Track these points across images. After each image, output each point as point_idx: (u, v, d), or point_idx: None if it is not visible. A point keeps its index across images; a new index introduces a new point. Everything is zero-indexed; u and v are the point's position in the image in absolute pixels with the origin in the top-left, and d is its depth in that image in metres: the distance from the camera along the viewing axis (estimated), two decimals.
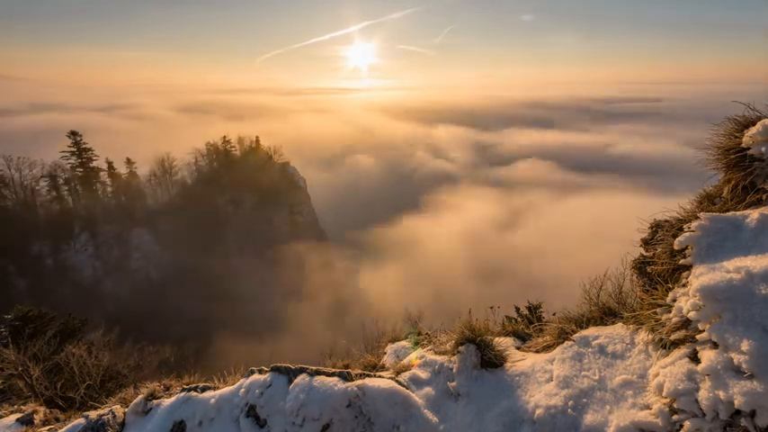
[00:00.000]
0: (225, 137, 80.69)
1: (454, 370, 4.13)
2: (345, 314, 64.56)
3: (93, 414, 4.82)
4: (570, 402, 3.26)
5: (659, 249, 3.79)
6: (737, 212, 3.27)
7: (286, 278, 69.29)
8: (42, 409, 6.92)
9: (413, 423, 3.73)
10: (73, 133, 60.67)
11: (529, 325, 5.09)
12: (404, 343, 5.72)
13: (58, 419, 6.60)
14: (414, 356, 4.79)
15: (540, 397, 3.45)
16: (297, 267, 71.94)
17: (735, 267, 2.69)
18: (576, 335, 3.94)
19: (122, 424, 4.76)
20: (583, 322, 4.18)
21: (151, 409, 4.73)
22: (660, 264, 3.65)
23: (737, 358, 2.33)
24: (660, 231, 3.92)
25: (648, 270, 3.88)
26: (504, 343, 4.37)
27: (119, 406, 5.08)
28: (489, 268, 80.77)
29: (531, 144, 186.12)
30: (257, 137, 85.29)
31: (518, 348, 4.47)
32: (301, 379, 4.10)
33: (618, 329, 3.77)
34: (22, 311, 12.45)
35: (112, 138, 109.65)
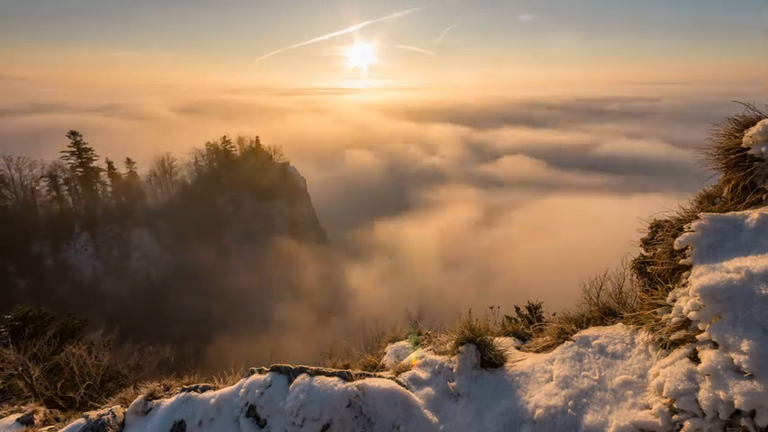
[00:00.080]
0: (225, 137, 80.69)
1: (454, 370, 4.13)
2: (345, 314, 64.61)
3: (93, 414, 4.82)
4: (570, 402, 3.26)
5: (659, 249, 3.79)
6: (737, 212, 3.27)
7: (286, 278, 69.30)
8: (42, 409, 6.92)
9: (413, 423, 3.73)
10: (73, 133, 60.66)
11: (529, 325, 5.09)
12: (404, 343, 5.71)
13: (58, 419, 6.60)
14: (414, 356, 4.79)
15: (540, 397, 3.45)
16: (297, 267, 71.96)
17: (735, 267, 2.69)
18: (576, 335, 3.94)
19: (122, 424, 4.76)
20: (583, 322, 4.18)
21: (151, 409, 4.73)
22: (660, 264, 3.65)
23: (737, 358, 2.33)
24: (660, 231, 3.92)
25: (648, 270, 3.88)
26: (504, 343, 4.37)
27: (119, 406, 5.08)
28: (479, 266, 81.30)
29: (522, 143, 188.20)
30: (257, 137, 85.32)
31: (518, 348, 4.47)
32: (301, 379, 4.10)
33: (618, 329, 3.77)
34: (22, 311, 12.44)
35: (112, 138, 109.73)
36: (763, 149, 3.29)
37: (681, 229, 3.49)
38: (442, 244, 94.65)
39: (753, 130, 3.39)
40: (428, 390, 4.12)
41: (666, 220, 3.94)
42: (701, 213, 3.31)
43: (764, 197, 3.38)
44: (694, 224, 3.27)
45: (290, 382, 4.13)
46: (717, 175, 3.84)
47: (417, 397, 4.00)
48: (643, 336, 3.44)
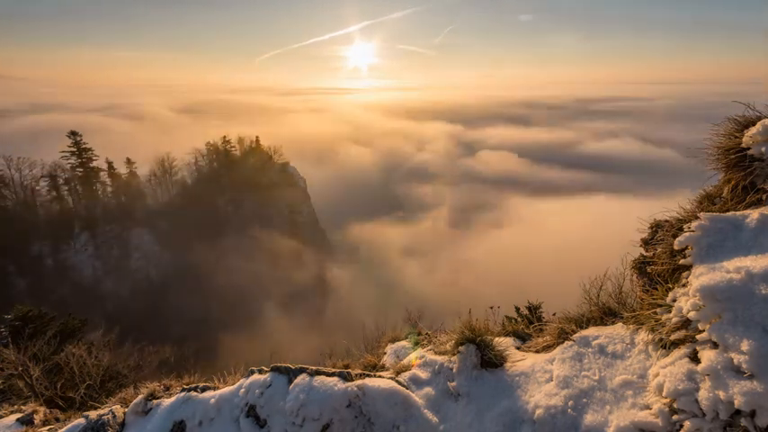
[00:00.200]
0: (225, 137, 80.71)
1: (454, 370, 4.13)
2: (345, 314, 64.57)
3: (93, 414, 4.82)
4: (570, 402, 3.26)
5: (659, 249, 3.79)
6: (737, 212, 3.27)
7: (286, 278, 69.30)
8: (42, 409, 6.92)
9: (413, 423, 3.73)
10: (73, 133, 60.65)
11: (529, 325, 5.09)
12: (404, 343, 5.71)
13: (58, 419, 6.60)
14: (414, 356, 4.79)
15: (540, 397, 3.45)
16: (297, 267, 71.96)
17: (735, 267, 2.69)
18: (576, 335, 3.94)
19: (122, 424, 4.76)
20: (583, 322, 4.18)
21: (151, 409, 4.73)
22: (660, 264, 3.65)
23: (737, 358, 2.33)
24: (660, 231, 3.92)
25: (648, 270, 3.88)
26: (504, 343, 4.37)
27: (119, 406, 5.07)
28: (479, 266, 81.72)
29: (516, 141, 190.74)
30: (257, 137, 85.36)
31: (518, 348, 4.47)
32: (301, 379, 4.10)
33: (618, 329, 3.77)
34: (22, 311, 12.44)
35: (112, 138, 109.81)
36: (763, 149, 3.29)
37: (681, 229, 3.49)
38: (441, 243, 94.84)
39: (753, 130, 3.39)
40: (428, 390, 4.12)
41: (666, 220, 3.94)
42: (701, 213, 3.31)
43: (764, 197, 3.38)
44: (694, 224, 3.27)
45: (290, 382, 4.13)
46: (717, 175, 3.84)
47: (417, 397, 4.00)
48: (643, 336, 3.44)
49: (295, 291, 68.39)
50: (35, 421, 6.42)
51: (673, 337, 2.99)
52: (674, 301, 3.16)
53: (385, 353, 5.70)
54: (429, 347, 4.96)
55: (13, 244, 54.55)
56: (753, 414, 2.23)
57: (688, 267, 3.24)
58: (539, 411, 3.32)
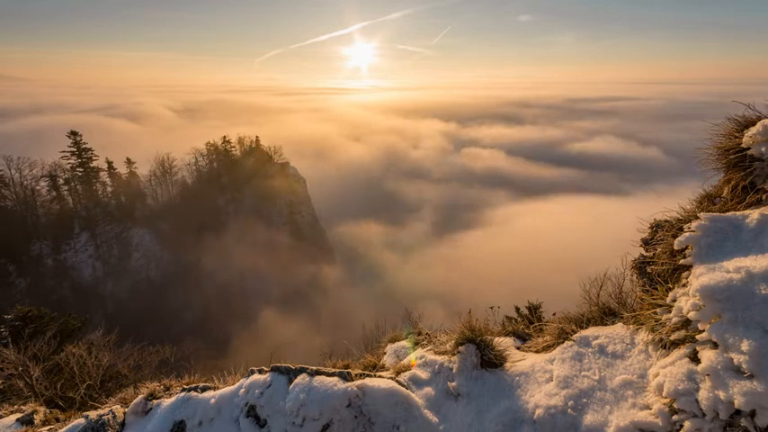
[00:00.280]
0: (225, 137, 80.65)
1: (454, 370, 4.13)
2: (345, 314, 64.57)
3: (93, 414, 4.82)
4: (570, 402, 3.26)
5: (659, 249, 3.79)
6: (737, 212, 3.27)
7: (286, 278, 69.31)
8: (42, 409, 6.92)
9: (413, 423, 3.73)
10: (73, 133, 60.59)
11: (529, 325, 5.09)
12: (404, 343, 5.71)
13: (58, 419, 6.60)
14: (413, 356, 4.79)
15: (540, 397, 3.45)
16: (297, 267, 71.97)
17: (735, 267, 2.69)
18: (576, 335, 3.94)
19: (122, 424, 4.76)
20: (583, 322, 4.18)
21: (151, 409, 4.73)
22: (660, 264, 3.65)
23: (737, 358, 2.33)
24: (660, 231, 3.92)
25: (648, 270, 3.88)
26: (504, 343, 4.37)
27: (119, 406, 5.07)
28: (476, 265, 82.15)
29: (504, 140, 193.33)
30: (257, 137, 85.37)
31: (518, 348, 4.47)
32: (301, 379, 4.10)
33: (618, 329, 3.77)
34: (22, 311, 12.46)
35: (112, 138, 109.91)
36: (763, 149, 3.29)
37: (681, 229, 3.49)
38: (441, 243, 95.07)
39: (753, 130, 3.39)
40: (428, 390, 4.12)
41: (666, 220, 3.94)
42: (701, 213, 3.31)
43: (764, 197, 3.38)
44: (694, 224, 3.27)
45: (290, 382, 4.13)
46: (717, 175, 3.84)
47: (417, 397, 4.00)
48: (643, 336, 3.44)
49: (295, 290, 68.39)
50: (35, 421, 6.42)
51: (673, 337, 2.99)
52: (674, 301, 3.16)
53: (385, 353, 5.70)
54: (429, 347, 4.96)
55: (13, 244, 54.53)
56: (753, 414, 2.23)
57: (688, 267, 3.24)
58: (539, 411, 3.32)
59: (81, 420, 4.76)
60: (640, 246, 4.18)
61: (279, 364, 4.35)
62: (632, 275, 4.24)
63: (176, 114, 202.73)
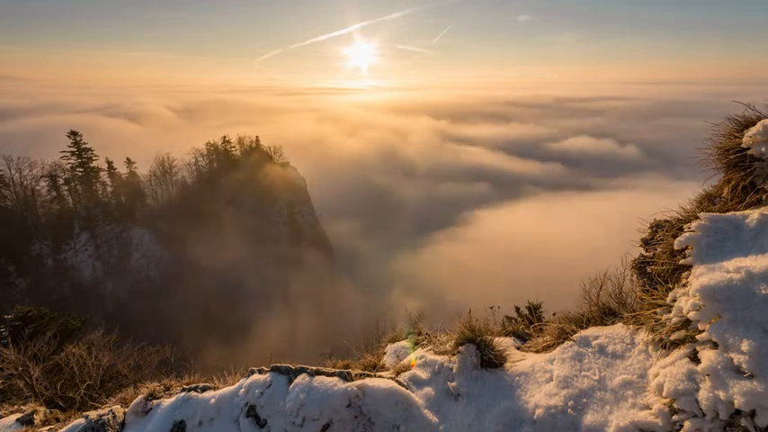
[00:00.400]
0: (225, 137, 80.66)
1: (454, 370, 4.13)
2: (345, 314, 64.57)
3: (93, 414, 4.82)
4: (570, 402, 3.26)
5: (659, 249, 3.79)
6: (737, 212, 3.27)
7: (286, 278, 69.32)
8: (42, 409, 6.92)
9: (413, 423, 3.73)
10: (73, 133, 60.56)
11: (529, 325, 5.09)
12: (404, 343, 5.71)
13: (58, 419, 6.59)
14: (413, 356, 4.79)
15: (540, 397, 3.45)
16: (297, 267, 71.97)
17: (735, 267, 2.69)
18: (576, 335, 3.94)
19: (122, 424, 4.75)
20: (583, 322, 4.18)
21: (151, 409, 4.73)
22: (660, 264, 3.65)
23: (737, 358, 2.33)
24: (660, 231, 3.92)
25: (648, 270, 3.88)
26: (504, 343, 4.37)
27: (119, 406, 5.07)
28: (475, 265, 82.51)
29: (497, 139, 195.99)
30: (257, 137, 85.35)
31: (518, 348, 4.47)
32: (301, 379, 4.10)
33: (618, 329, 3.77)
34: (22, 311, 12.47)
35: (112, 138, 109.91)
36: (763, 149, 3.29)
37: (681, 229, 3.49)
38: (440, 242, 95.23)
39: (753, 130, 3.39)
40: (428, 390, 4.12)
41: (666, 220, 3.94)
42: (701, 213, 3.31)
43: (764, 197, 3.38)
44: (694, 224, 3.27)
45: (290, 382, 4.12)
46: (717, 175, 3.84)
47: (417, 397, 4.00)
48: (643, 336, 3.44)
49: (295, 290, 68.39)
50: (35, 421, 6.42)
51: (673, 337, 2.98)
52: (674, 301, 3.16)
53: (385, 353, 5.70)
54: (429, 347, 4.96)
55: (13, 244, 54.51)
56: (753, 414, 2.23)
57: (688, 267, 3.24)
58: (539, 411, 3.32)
59: (81, 420, 4.76)
60: (640, 246, 4.18)
61: (279, 364, 4.35)
62: (632, 275, 4.24)
63: (176, 114, 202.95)
